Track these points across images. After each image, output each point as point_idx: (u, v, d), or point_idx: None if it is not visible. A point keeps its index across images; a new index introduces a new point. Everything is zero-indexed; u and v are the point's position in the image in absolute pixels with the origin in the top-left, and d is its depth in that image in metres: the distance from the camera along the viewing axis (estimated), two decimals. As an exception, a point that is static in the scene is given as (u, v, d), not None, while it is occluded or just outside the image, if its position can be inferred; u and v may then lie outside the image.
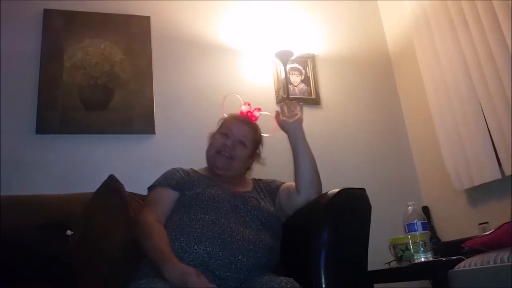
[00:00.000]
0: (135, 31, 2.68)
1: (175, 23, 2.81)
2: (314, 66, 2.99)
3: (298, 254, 1.53)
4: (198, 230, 1.41)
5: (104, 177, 1.71)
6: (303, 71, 2.96)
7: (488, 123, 2.32)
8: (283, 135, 1.94)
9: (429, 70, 2.70)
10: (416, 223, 1.84)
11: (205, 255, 1.35)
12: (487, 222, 2.22)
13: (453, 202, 2.64)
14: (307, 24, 3.06)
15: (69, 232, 1.53)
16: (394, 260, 1.93)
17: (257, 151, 1.78)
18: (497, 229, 1.35)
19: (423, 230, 1.83)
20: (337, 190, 1.53)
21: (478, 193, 2.46)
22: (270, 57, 2.81)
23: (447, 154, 2.55)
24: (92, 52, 2.55)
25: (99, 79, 2.52)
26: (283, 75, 2.76)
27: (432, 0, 2.66)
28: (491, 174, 2.30)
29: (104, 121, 2.47)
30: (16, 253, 1.42)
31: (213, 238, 1.39)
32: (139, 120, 2.52)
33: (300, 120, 1.75)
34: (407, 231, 1.85)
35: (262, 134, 1.80)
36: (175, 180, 1.63)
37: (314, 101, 2.89)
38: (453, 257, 1.60)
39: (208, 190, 1.56)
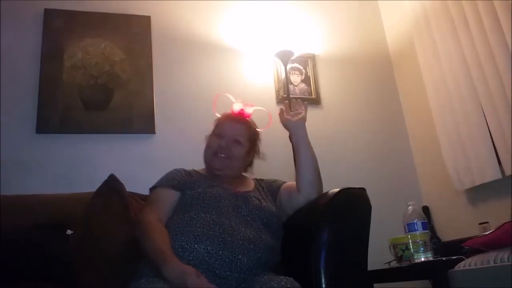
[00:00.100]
0: (135, 31, 2.68)
1: (175, 23, 2.81)
2: (314, 66, 2.99)
3: (298, 253, 1.53)
4: (199, 229, 1.41)
5: (105, 176, 1.71)
6: (303, 71, 2.96)
7: (488, 123, 2.32)
8: (284, 136, 1.94)
9: (430, 70, 2.70)
10: (416, 223, 1.84)
11: (205, 254, 1.35)
12: (487, 222, 2.22)
13: (453, 202, 2.64)
14: (307, 24, 3.06)
15: (69, 232, 1.53)
16: (394, 260, 1.93)
17: (255, 147, 1.78)
18: (497, 229, 1.35)
19: (423, 230, 1.83)
20: (337, 190, 1.52)
21: (478, 193, 2.46)
22: (270, 57, 2.81)
23: (447, 154, 2.55)
24: (92, 52, 2.56)
25: (99, 79, 2.53)
26: (283, 75, 2.76)
27: (433, 0, 2.66)
28: (491, 174, 2.30)
29: (104, 121, 2.47)
30: (16, 253, 1.42)
31: (214, 237, 1.39)
32: (139, 120, 2.52)
33: (303, 119, 1.74)
34: (407, 231, 1.85)
35: (257, 130, 1.79)
36: (177, 180, 1.63)
37: (314, 101, 2.89)
38: (453, 257, 1.60)
39: (209, 189, 1.56)
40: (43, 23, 2.53)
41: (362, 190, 1.56)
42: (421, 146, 2.95)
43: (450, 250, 1.84)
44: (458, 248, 1.65)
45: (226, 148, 1.68)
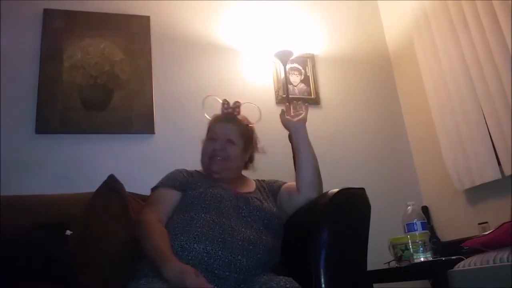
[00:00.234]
0: (135, 31, 2.68)
1: (175, 23, 2.81)
2: (313, 66, 2.99)
3: (298, 253, 1.53)
4: (199, 229, 1.41)
5: (104, 177, 1.71)
6: (302, 71, 2.96)
7: (488, 123, 2.32)
8: (284, 136, 1.95)
9: (429, 70, 2.70)
10: (415, 223, 1.84)
11: (205, 254, 1.35)
12: (486, 222, 2.22)
13: (453, 202, 2.64)
14: (307, 24, 3.06)
15: (68, 232, 1.53)
16: (393, 260, 1.94)
17: (251, 143, 1.77)
18: (496, 229, 1.35)
19: (422, 230, 1.83)
20: (336, 190, 1.52)
21: (478, 193, 2.47)
22: (269, 57, 2.81)
23: (447, 154, 2.55)
24: (91, 52, 2.56)
25: (99, 79, 2.53)
26: (282, 75, 2.76)
27: (432, 0, 2.66)
28: (491, 174, 2.30)
29: (103, 121, 2.47)
30: (16, 253, 1.42)
31: (213, 238, 1.39)
32: (138, 120, 2.52)
33: (303, 120, 1.74)
34: (406, 231, 1.85)
35: (250, 125, 1.78)
36: (178, 180, 1.63)
37: (313, 101, 2.89)
38: (452, 257, 1.60)
39: (210, 190, 1.56)
40: (42, 23, 2.53)
41: (362, 190, 1.57)
42: (420, 146, 2.96)
43: (449, 250, 1.84)
44: (458, 248, 1.65)
45: (221, 150, 1.67)
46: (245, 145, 1.73)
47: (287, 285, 1.28)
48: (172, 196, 1.59)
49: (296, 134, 1.74)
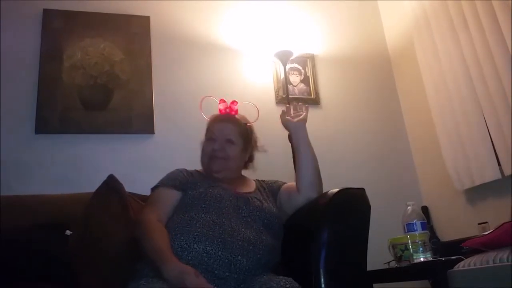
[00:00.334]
0: (135, 31, 2.68)
1: (175, 23, 2.81)
2: (313, 66, 2.99)
3: (297, 253, 1.53)
4: (199, 229, 1.41)
5: (104, 177, 1.71)
6: (302, 71, 2.96)
7: (487, 123, 2.32)
8: (284, 136, 1.95)
9: (429, 70, 2.70)
10: (415, 223, 1.84)
11: (205, 254, 1.35)
12: (486, 222, 2.22)
13: (453, 202, 2.64)
14: (306, 24, 3.06)
15: (68, 232, 1.53)
16: (393, 260, 1.94)
17: (250, 142, 1.77)
18: (496, 229, 1.35)
19: (422, 230, 1.83)
20: (336, 190, 1.52)
21: (477, 193, 2.47)
22: (269, 57, 2.81)
23: (447, 154, 2.55)
24: (91, 52, 2.56)
25: (99, 79, 2.53)
26: (282, 75, 2.76)
27: (432, 0, 2.66)
28: (491, 174, 2.31)
29: (103, 121, 2.47)
30: (16, 253, 1.42)
31: (213, 238, 1.39)
32: (138, 120, 2.52)
33: (303, 120, 1.75)
34: (406, 231, 1.85)
35: (248, 124, 1.78)
36: (179, 180, 1.63)
37: (313, 101, 2.89)
38: (452, 257, 1.60)
39: (210, 190, 1.56)
40: (42, 24, 2.53)
41: (362, 190, 1.57)
42: (420, 146, 2.96)
43: (449, 250, 1.84)
44: (458, 248, 1.65)
45: (221, 150, 1.67)
46: (244, 145, 1.73)
47: (287, 285, 1.28)
48: (172, 196, 1.59)
49: (296, 134, 1.74)
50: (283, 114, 1.80)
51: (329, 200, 1.50)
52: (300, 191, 1.65)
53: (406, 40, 3.01)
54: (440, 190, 2.75)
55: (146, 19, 2.73)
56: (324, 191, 1.61)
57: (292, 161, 1.95)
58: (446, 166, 2.56)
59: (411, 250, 1.81)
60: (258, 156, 1.84)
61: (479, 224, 2.26)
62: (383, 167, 2.90)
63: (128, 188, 1.73)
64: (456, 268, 1.39)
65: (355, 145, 2.91)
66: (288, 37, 2.71)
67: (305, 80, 2.95)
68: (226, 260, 1.35)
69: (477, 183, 2.38)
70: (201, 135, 1.78)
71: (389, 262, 2.01)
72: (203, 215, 1.46)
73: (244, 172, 1.82)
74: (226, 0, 2.95)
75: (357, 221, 1.50)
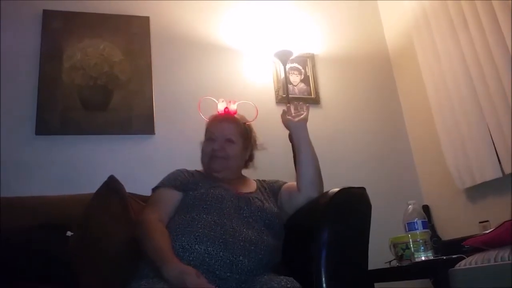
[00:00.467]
0: (135, 32, 2.68)
1: (175, 24, 2.81)
2: (313, 66, 2.99)
3: (298, 253, 1.53)
4: (200, 230, 1.41)
5: (104, 177, 1.71)
6: (302, 70, 2.96)
7: (488, 122, 2.32)
8: (285, 136, 1.95)
9: (429, 69, 2.70)
10: (416, 222, 1.84)
11: (206, 255, 1.35)
12: (487, 221, 2.22)
13: (453, 200, 2.64)
14: (306, 23, 3.06)
15: (69, 233, 1.53)
16: (394, 259, 1.94)
17: (250, 141, 1.78)
18: (497, 227, 1.35)
19: (423, 229, 1.83)
20: (337, 189, 1.52)
21: (478, 192, 2.46)
22: (269, 57, 2.81)
23: (448, 153, 2.55)
24: (91, 53, 2.55)
25: (99, 80, 2.52)
26: (282, 75, 2.76)
27: (432, 0, 2.66)
28: (492, 172, 2.30)
29: (103, 122, 2.47)
30: (16, 253, 1.42)
31: (215, 238, 1.38)
32: (138, 121, 2.52)
33: (304, 120, 1.75)
34: (407, 230, 1.86)
35: (247, 123, 1.78)
36: (179, 181, 1.63)
37: (313, 100, 2.89)
38: (453, 256, 1.60)
39: (211, 190, 1.56)
40: (42, 24, 2.52)
41: (362, 189, 1.56)
42: (421, 146, 2.95)
43: (450, 249, 1.84)
44: (459, 247, 1.65)
45: (220, 150, 1.68)
46: (244, 144, 1.74)
47: (288, 285, 1.28)
48: (173, 197, 1.58)
49: (297, 134, 1.74)
50: (284, 114, 1.80)
51: (330, 200, 1.50)
52: (300, 191, 1.65)
53: (406, 40, 3.01)
54: (440, 189, 2.75)
55: (146, 19, 2.73)
56: (325, 190, 1.61)
57: (292, 160, 1.95)
58: (447, 165, 2.56)
59: (412, 249, 1.81)
60: (259, 156, 1.84)
61: (480, 222, 2.26)
62: (384, 166, 2.89)
63: (129, 188, 1.73)
64: (457, 267, 1.39)
65: (356, 145, 2.90)
66: (288, 37, 2.71)
67: (305, 80, 2.95)
68: (228, 261, 1.35)
69: (478, 181, 2.38)
70: (201, 135, 1.78)
71: (390, 261, 2.01)
72: (204, 216, 1.46)
73: (245, 172, 1.82)
74: (226, 0, 2.95)
75: (358, 220, 1.50)
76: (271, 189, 1.74)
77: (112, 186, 1.68)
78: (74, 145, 2.40)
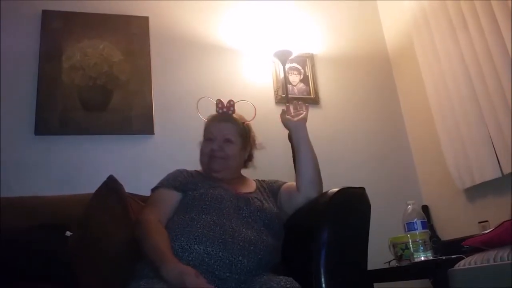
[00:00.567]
0: (134, 32, 2.68)
1: (174, 24, 2.81)
2: (313, 66, 2.99)
3: (298, 253, 1.53)
4: (199, 230, 1.41)
5: (104, 177, 1.71)
6: (302, 70, 2.96)
7: (487, 121, 2.32)
8: (284, 136, 1.94)
9: (429, 69, 2.70)
10: (415, 222, 1.84)
11: (205, 255, 1.35)
12: (486, 221, 2.22)
13: (453, 200, 2.64)
14: (306, 23, 3.06)
15: (68, 233, 1.53)
16: (394, 259, 1.94)
17: (248, 141, 1.77)
18: (496, 227, 1.35)
19: (422, 229, 1.83)
20: (336, 189, 1.52)
21: (478, 192, 2.46)
22: (269, 57, 2.81)
23: (448, 153, 2.55)
24: (90, 53, 2.55)
25: (98, 80, 2.52)
26: (282, 75, 2.76)
27: (431, 0, 2.66)
28: (491, 172, 2.30)
29: (103, 122, 2.47)
30: (16, 253, 1.42)
31: (214, 239, 1.38)
32: (138, 121, 2.52)
33: (304, 119, 1.75)
34: (407, 230, 1.86)
35: (246, 123, 1.78)
36: (179, 181, 1.63)
37: (313, 100, 2.89)
38: (453, 256, 1.60)
39: (211, 191, 1.56)
40: (41, 24, 2.52)
41: (362, 189, 1.56)
42: (420, 146, 2.96)
43: (450, 249, 1.84)
44: (458, 247, 1.65)
45: (219, 150, 1.68)
46: (243, 143, 1.74)
47: (287, 285, 1.28)
48: (172, 197, 1.58)
49: (296, 133, 1.74)
50: (283, 113, 1.80)
51: (329, 200, 1.50)
52: (300, 191, 1.65)
53: (405, 40, 3.01)
54: (440, 189, 2.75)
55: (145, 19, 2.73)
56: (324, 190, 1.61)
57: (292, 160, 1.95)
58: (447, 165, 2.56)
59: (411, 249, 1.81)
60: (258, 156, 1.84)
61: (479, 222, 2.26)
62: (383, 166, 2.90)
63: (128, 188, 1.73)
64: (456, 267, 1.39)
65: (355, 145, 2.90)
66: (287, 36, 2.71)
67: (305, 80, 2.95)
68: (227, 261, 1.35)
69: (478, 181, 2.38)
70: (200, 135, 1.78)
71: (389, 262, 2.01)
72: (203, 216, 1.46)
73: (244, 172, 1.82)
74: (225, 0, 2.95)
75: (358, 220, 1.50)
76: (271, 189, 1.74)
77: (111, 186, 1.68)
78: (74, 145, 2.40)
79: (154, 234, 1.39)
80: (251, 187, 1.72)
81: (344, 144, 2.88)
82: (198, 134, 1.79)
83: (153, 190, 1.64)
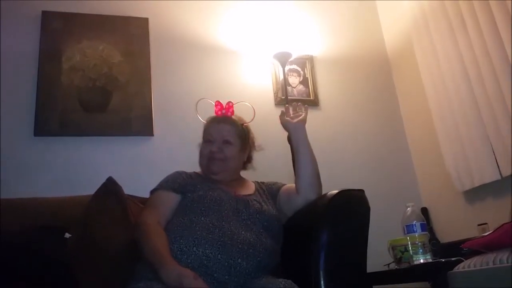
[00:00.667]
0: (134, 33, 2.68)
1: (174, 25, 2.81)
2: (312, 67, 2.99)
3: (297, 255, 1.53)
4: (198, 232, 1.40)
5: (103, 179, 1.71)
6: (301, 72, 2.96)
7: (486, 124, 2.32)
8: (284, 137, 1.94)
9: (428, 70, 2.70)
10: (415, 224, 1.84)
11: (204, 257, 1.34)
12: (486, 223, 2.22)
13: (452, 203, 2.64)
14: (305, 25, 3.06)
15: (67, 235, 1.53)
16: (393, 262, 1.94)
17: (247, 142, 1.77)
18: (496, 230, 1.35)
19: (422, 231, 1.83)
20: (336, 191, 1.52)
21: (477, 194, 2.46)
22: (268, 59, 2.81)
23: (448, 155, 2.55)
24: (90, 54, 2.55)
25: (98, 81, 2.52)
26: (281, 77, 2.76)
27: (431, 0, 2.67)
28: (490, 174, 2.30)
29: (102, 123, 2.47)
30: (15, 254, 1.42)
31: (213, 241, 1.38)
32: (137, 122, 2.52)
33: (303, 121, 1.75)
34: (406, 233, 1.85)
35: (245, 124, 1.77)
36: (178, 183, 1.62)
37: (312, 102, 2.89)
38: (452, 259, 1.60)
39: (210, 193, 1.56)
40: (41, 25, 2.52)
41: (361, 191, 1.56)
42: (419, 148, 2.95)
43: (449, 252, 1.84)
44: (457, 250, 1.65)
45: (218, 152, 1.67)
46: (242, 145, 1.73)
47: (287, 287, 1.28)
48: (171, 199, 1.58)
49: (295, 135, 1.74)
50: (282, 115, 1.80)
51: (329, 202, 1.50)
52: (299, 192, 1.65)
53: (405, 41, 3.01)
54: (439, 191, 2.75)
55: (145, 20, 2.73)
56: (324, 192, 1.61)
57: (291, 162, 1.95)
58: (446, 167, 2.56)
59: (410, 251, 1.81)
60: (257, 158, 1.84)
61: (478, 225, 2.26)
62: (383, 168, 2.89)
63: (127, 190, 1.73)
64: (456, 269, 1.39)
65: (354, 147, 2.90)
66: (287, 38, 2.71)
67: (304, 82, 2.95)
68: (226, 263, 1.35)
69: (477, 184, 2.38)
70: (200, 136, 1.78)
71: (389, 264, 2.01)
72: (202, 218, 1.46)
73: (243, 174, 1.82)
74: (225, 0, 2.95)
75: (357, 222, 1.50)
76: (270, 191, 1.74)
77: (110, 187, 1.67)
78: (73, 146, 2.40)
79: (153, 236, 1.39)
80: (250, 189, 1.72)
81: (343, 146, 2.88)
82: (197, 136, 1.79)
83: (152, 192, 1.64)
